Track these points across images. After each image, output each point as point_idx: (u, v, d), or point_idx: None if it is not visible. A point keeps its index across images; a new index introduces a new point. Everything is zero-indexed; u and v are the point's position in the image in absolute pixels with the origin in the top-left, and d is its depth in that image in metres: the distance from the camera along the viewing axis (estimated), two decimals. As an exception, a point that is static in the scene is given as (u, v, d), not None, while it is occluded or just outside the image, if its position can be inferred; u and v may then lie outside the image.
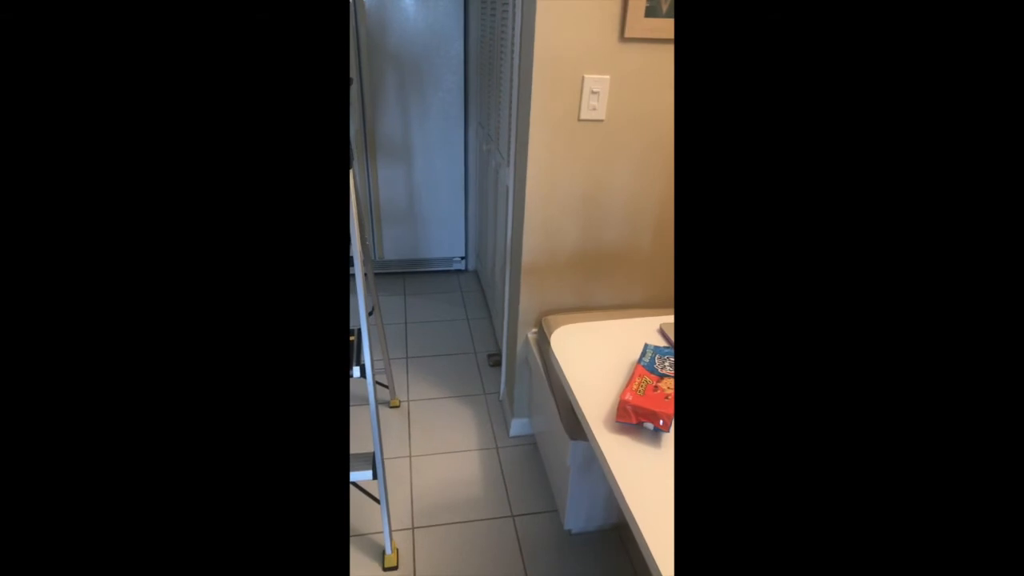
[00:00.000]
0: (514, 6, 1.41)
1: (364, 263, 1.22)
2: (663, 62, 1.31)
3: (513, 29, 1.42)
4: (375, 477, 1.29)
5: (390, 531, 1.39)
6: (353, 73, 2.33)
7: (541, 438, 1.69)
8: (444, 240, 2.75)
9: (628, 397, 0.87)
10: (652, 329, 1.19)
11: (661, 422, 0.85)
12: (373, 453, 1.31)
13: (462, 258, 2.82)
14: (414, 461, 1.70)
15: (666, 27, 1.26)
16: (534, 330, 1.62)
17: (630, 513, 0.78)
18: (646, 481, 0.82)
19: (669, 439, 0.88)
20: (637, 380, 0.92)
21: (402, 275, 2.80)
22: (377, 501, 1.38)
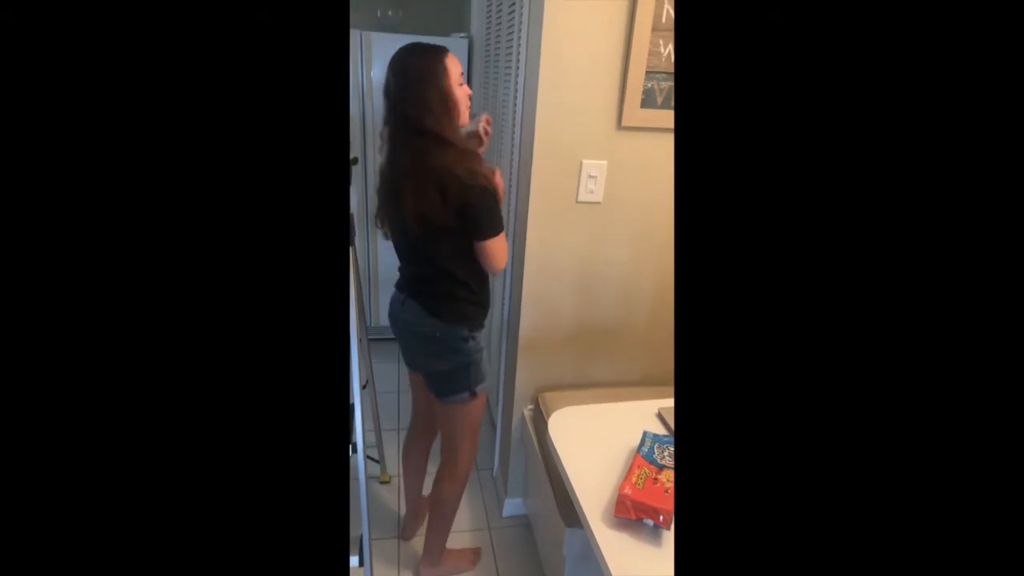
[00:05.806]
0: (516, 94, 1.47)
1: (360, 335, 1.21)
2: (658, 149, 1.36)
3: (515, 115, 1.48)
4: (361, 564, 1.23)
5: (374, 623, 1.31)
6: (358, 151, 2.41)
7: (536, 520, 1.62)
8: (440, 308, 2.74)
9: (627, 491, 0.85)
10: (650, 414, 1.17)
11: (661, 518, 0.83)
12: (360, 536, 1.26)
13: (458, 326, 2.81)
14: (404, 542, 1.63)
15: (660, 117, 1.31)
16: (530, 407, 1.59)
17: (630, 619, 0.74)
18: (646, 583, 0.79)
19: (670, 536, 0.85)
20: (636, 472, 0.89)
21: (396, 341, 2.77)
22: (362, 588, 1.31)
